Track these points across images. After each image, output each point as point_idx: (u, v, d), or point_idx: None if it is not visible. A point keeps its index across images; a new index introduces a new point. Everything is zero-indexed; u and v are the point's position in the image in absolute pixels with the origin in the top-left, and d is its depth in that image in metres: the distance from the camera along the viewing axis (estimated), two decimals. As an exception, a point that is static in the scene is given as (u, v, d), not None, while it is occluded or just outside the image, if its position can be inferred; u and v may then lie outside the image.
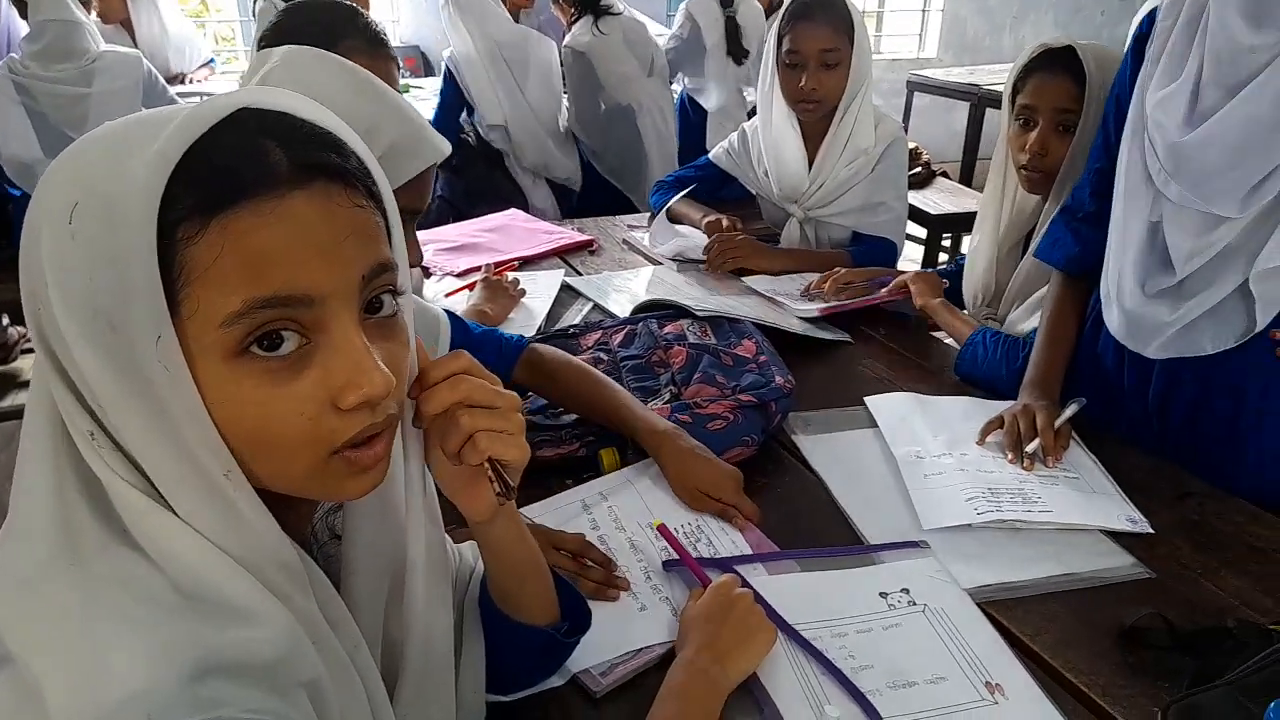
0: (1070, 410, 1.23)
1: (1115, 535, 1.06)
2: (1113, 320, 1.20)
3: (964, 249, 1.90)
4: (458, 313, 1.52)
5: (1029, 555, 1.03)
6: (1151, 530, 1.06)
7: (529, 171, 2.98)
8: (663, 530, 0.99)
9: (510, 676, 0.81)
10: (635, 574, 0.99)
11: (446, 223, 2.23)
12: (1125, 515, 1.08)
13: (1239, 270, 1.06)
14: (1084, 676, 0.86)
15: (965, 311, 1.68)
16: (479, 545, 0.74)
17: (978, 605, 0.94)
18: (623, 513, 1.08)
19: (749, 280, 1.78)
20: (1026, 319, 1.48)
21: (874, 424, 1.29)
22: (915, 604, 0.93)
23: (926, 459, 1.18)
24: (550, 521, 1.05)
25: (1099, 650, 0.89)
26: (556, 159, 2.96)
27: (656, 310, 1.51)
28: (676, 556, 0.97)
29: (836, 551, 1.02)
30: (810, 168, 1.95)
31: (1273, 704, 0.55)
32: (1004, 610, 0.95)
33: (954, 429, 1.25)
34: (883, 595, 0.95)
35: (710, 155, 2.15)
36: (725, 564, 0.97)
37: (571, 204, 3.00)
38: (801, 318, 1.59)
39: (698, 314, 1.45)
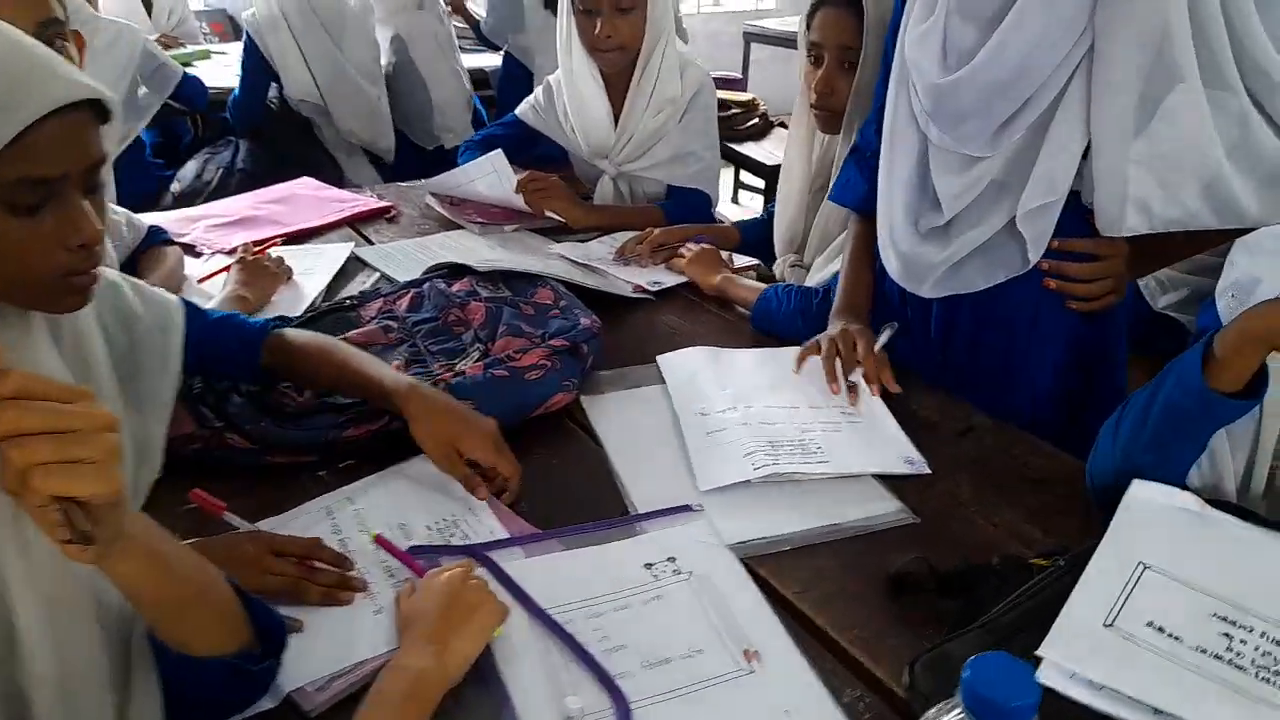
0: (885, 335, 1.20)
1: (888, 480, 1.02)
2: (890, 262, 1.17)
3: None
4: (215, 300, 1.38)
5: (798, 507, 0.98)
6: (929, 471, 1.04)
7: (344, 141, 2.80)
8: (380, 541, 0.91)
9: (204, 712, 0.70)
10: (376, 575, 0.89)
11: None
12: (904, 457, 1.06)
13: (1005, 208, 1.05)
14: (847, 632, 0.82)
15: (776, 261, 1.63)
16: None
17: (744, 565, 0.88)
18: (370, 515, 0.97)
19: (557, 247, 1.68)
20: (826, 266, 1.44)
21: (665, 382, 1.23)
22: (680, 573, 0.87)
23: (711, 415, 1.13)
24: (292, 532, 0.94)
25: (865, 602, 0.85)
26: (381, 126, 2.79)
27: (442, 270, 1.40)
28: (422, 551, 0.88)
29: (601, 525, 0.94)
30: (617, 122, 1.87)
31: (970, 661, 0.50)
32: (771, 567, 0.90)
33: (743, 381, 1.20)
34: (647, 566, 0.88)
35: (517, 112, 2.04)
36: (476, 551, 0.89)
37: (390, 176, 2.83)
38: (633, 292, 1.50)
39: (479, 269, 1.35)
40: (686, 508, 0.97)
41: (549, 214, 1.77)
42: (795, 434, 1.08)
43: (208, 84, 2.87)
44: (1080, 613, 0.73)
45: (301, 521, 0.96)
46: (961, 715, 0.51)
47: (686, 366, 1.24)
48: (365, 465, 1.05)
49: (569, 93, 1.89)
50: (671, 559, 0.89)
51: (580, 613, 0.82)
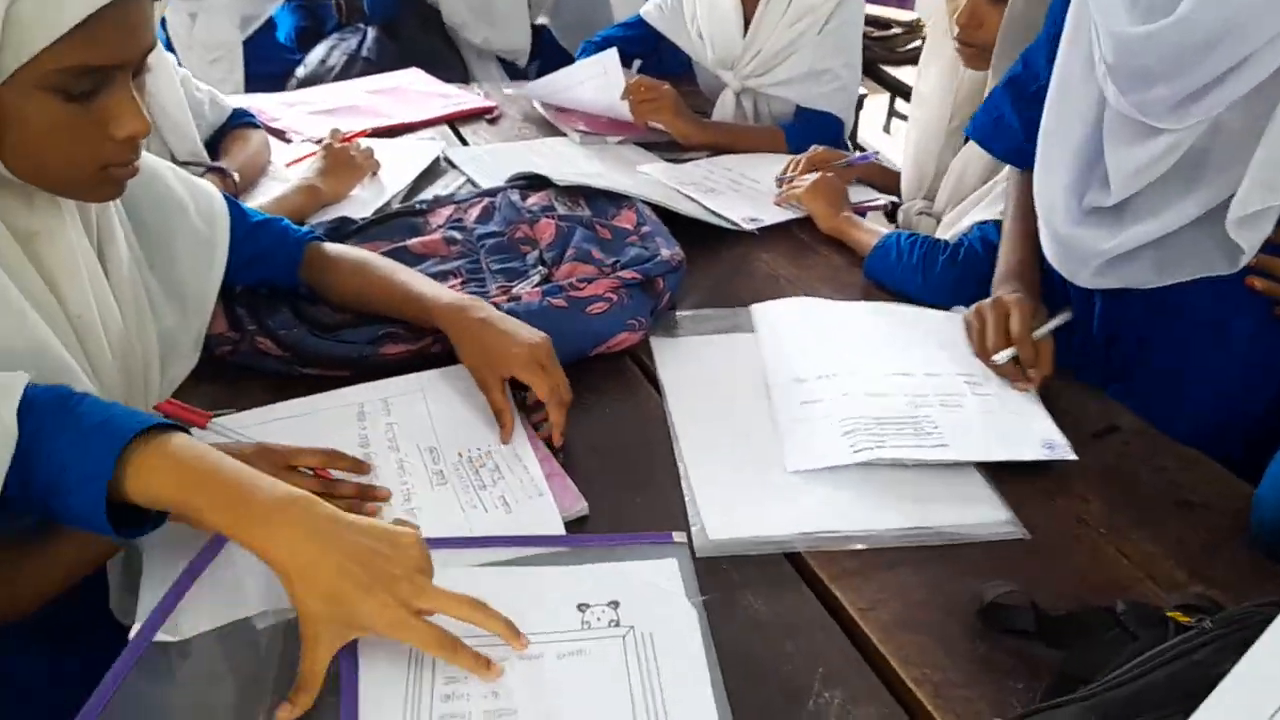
0: (1056, 321, 0.98)
1: (999, 479, 0.84)
2: (1045, 241, 0.95)
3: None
4: (286, 186, 1.30)
5: (880, 497, 0.82)
6: (1075, 456, 0.85)
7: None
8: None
9: None
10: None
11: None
12: (1044, 440, 0.87)
13: (1196, 200, 0.81)
14: (914, 669, 0.66)
15: (902, 206, 1.42)
16: None
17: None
18: (401, 429, 0.87)
19: (647, 166, 1.51)
20: (961, 219, 1.23)
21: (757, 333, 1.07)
22: (618, 624, 0.68)
23: (807, 382, 0.96)
24: (313, 429, 0.86)
25: (943, 635, 0.69)
26: (503, 23, 2.64)
27: (522, 180, 1.27)
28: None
29: (554, 541, 0.76)
30: (747, 29, 1.67)
31: None
32: (833, 571, 0.75)
33: (849, 340, 1.02)
34: (581, 608, 0.69)
35: (642, 11, 1.86)
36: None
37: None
38: (730, 225, 1.32)
39: (559, 183, 1.21)
40: (665, 539, 0.77)
41: (654, 126, 1.60)
42: (906, 408, 0.90)
43: (345, -31, 2.78)
44: (1239, 703, 0.55)
45: (328, 415, 0.88)
46: None
47: (785, 320, 1.07)
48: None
49: (699, -7, 1.70)
50: (614, 603, 0.69)
51: (487, 651, 0.63)
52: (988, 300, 1.00)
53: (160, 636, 0.65)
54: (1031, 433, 0.88)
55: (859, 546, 0.77)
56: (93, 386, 0.76)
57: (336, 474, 0.81)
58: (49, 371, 0.71)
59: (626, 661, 0.65)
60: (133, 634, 0.65)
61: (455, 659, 0.62)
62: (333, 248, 1.00)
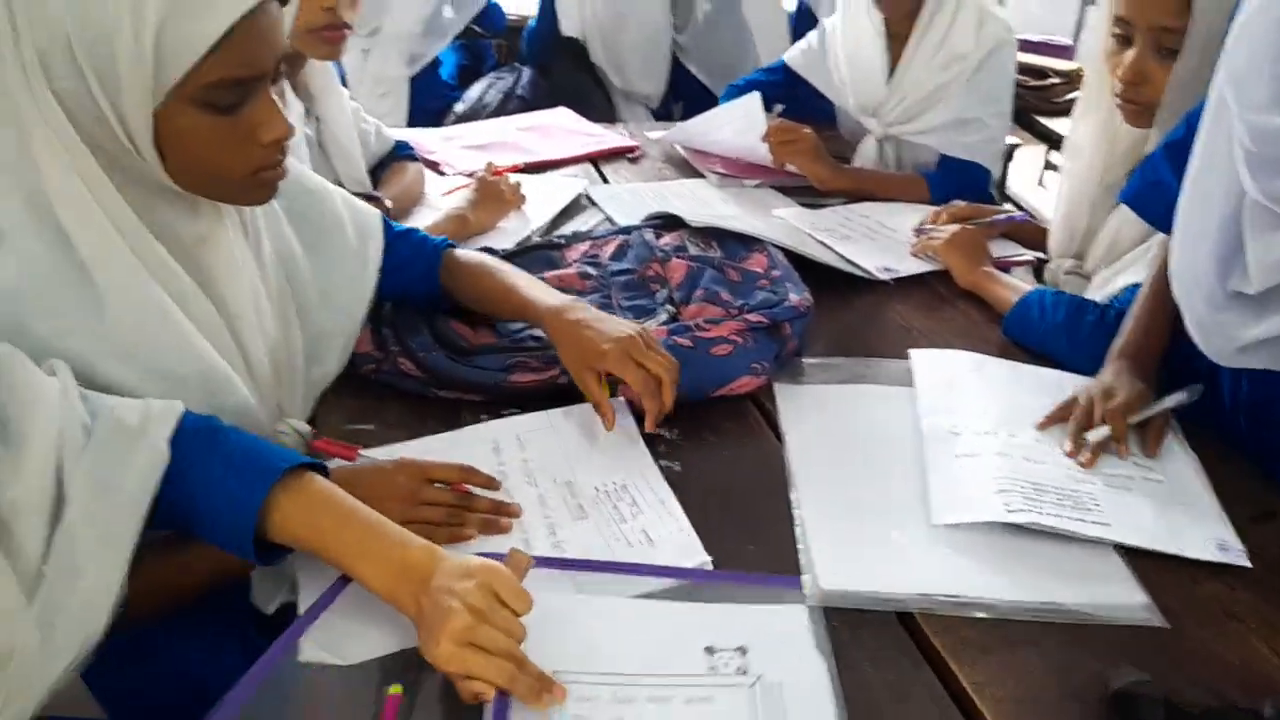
0: (1173, 400, 0.94)
1: (1137, 562, 0.79)
2: (1186, 318, 0.89)
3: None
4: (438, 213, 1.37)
5: (1007, 566, 0.79)
6: (1249, 565, 0.79)
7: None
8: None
9: None
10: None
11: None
12: (1217, 540, 0.81)
13: None
14: (1031, 756, 0.63)
15: (1049, 265, 1.36)
16: None
17: (902, 622, 0.70)
18: (537, 464, 0.90)
19: (783, 210, 1.51)
20: (1114, 279, 1.16)
21: (892, 383, 1.05)
22: (745, 672, 0.67)
23: (964, 435, 0.93)
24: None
25: (1064, 720, 0.65)
26: (636, 68, 2.70)
27: (657, 220, 1.29)
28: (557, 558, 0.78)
29: (683, 574, 0.77)
30: (892, 74, 1.65)
31: None
32: (949, 641, 0.72)
33: (1011, 403, 0.98)
34: (709, 650, 0.68)
35: (785, 56, 1.87)
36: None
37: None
38: (865, 274, 1.31)
39: (692, 224, 1.23)
40: (794, 580, 0.77)
41: (792, 169, 1.60)
42: (1068, 481, 0.86)
43: (510, 11, 2.94)
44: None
45: (465, 450, 0.91)
46: None
47: (945, 369, 1.05)
48: (529, 412, 0.97)
49: (844, 37, 1.70)
50: (741, 649, 0.68)
51: (606, 690, 0.64)
52: (1097, 383, 0.96)
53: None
54: (1204, 530, 0.83)
55: (979, 615, 0.74)
56: (248, 384, 0.83)
57: (472, 489, 0.84)
58: (208, 381, 0.78)
59: (755, 713, 0.63)
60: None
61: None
62: (464, 253, 1.07)
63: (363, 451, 0.86)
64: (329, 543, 0.68)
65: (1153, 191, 1.03)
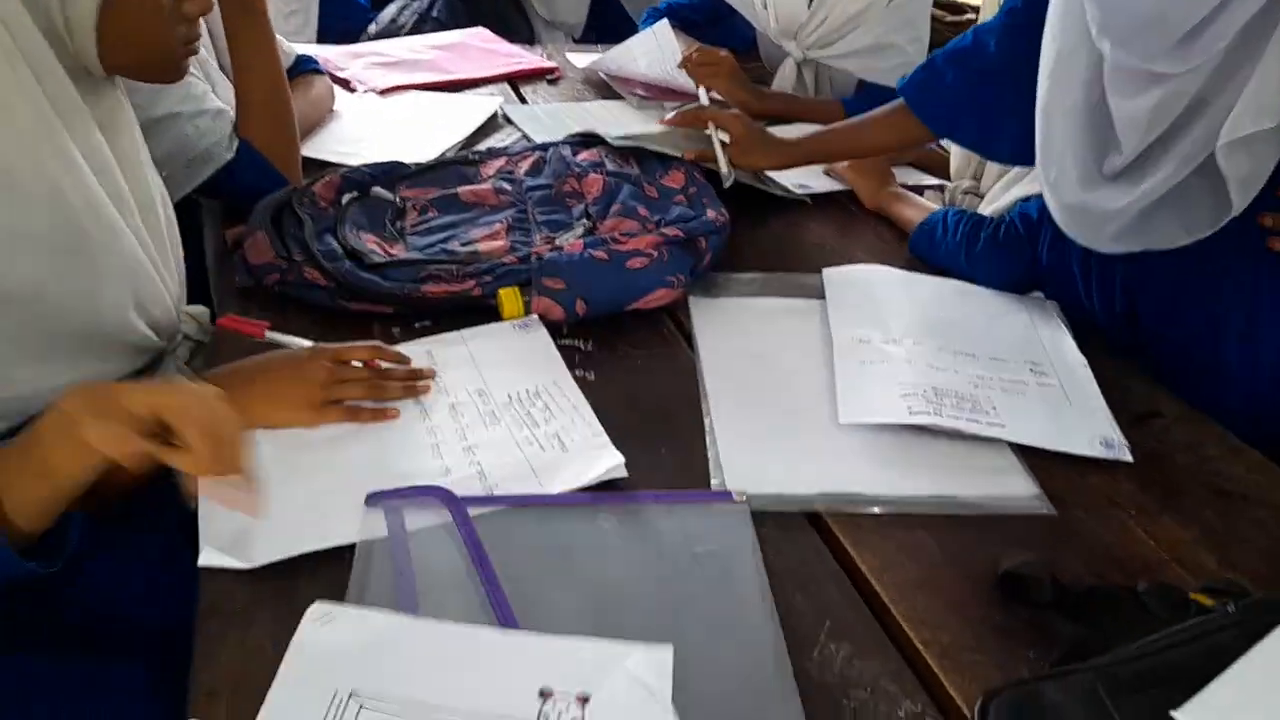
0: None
1: (1028, 457, 0.83)
2: (1055, 212, 0.93)
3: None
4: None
5: (906, 465, 0.81)
6: (1131, 459, 0.83)
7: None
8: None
9: None
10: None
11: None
12: (1101, 437, 0.85)
13: (1203, 140, 0.79)
14: (924, 630, 0.66)
15: (949, 185, 1.39)
16: None
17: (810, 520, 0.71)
18: (448, 375, 0.88)
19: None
20: (1004, 193, 1.20)
21: (805, 296, 1.06)
22: None
23: (871, 344, 0.96)
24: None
25: (958, 602, 0.68)
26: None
27: (575, 138, 1.27)
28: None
29: (618, 498, 0.75)
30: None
31: None
32: (850, 532, 0.74)
33: (917, 314, 1.01)
34: (543, 694, 0.58)
35: (706, -23, 1.85)
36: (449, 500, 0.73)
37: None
38: (782, 193, 1.32)
39: (612, 142, 1.21)
40: (725, 495, 0.77)
41: (715, 94, 1.59)
42: (967, 386, 0.89)
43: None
44: (1255, 679, 0.54)
45: None
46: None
47: (857, 284, 1.07)
48: (443, 329, 0.96)
49: (765, -41, 1.68)
50: (584, 698, 0.58)
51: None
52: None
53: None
54: (1091, 428, 0.87)
55: (878, 510, 0.77)
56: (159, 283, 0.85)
57: (384, 364, 0.86)
58: (128, 260, 0.81)
59: None
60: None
61: None
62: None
63: (270, 332, 0.85)
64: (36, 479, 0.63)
65: (930, 86, 1.10)
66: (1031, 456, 0.83)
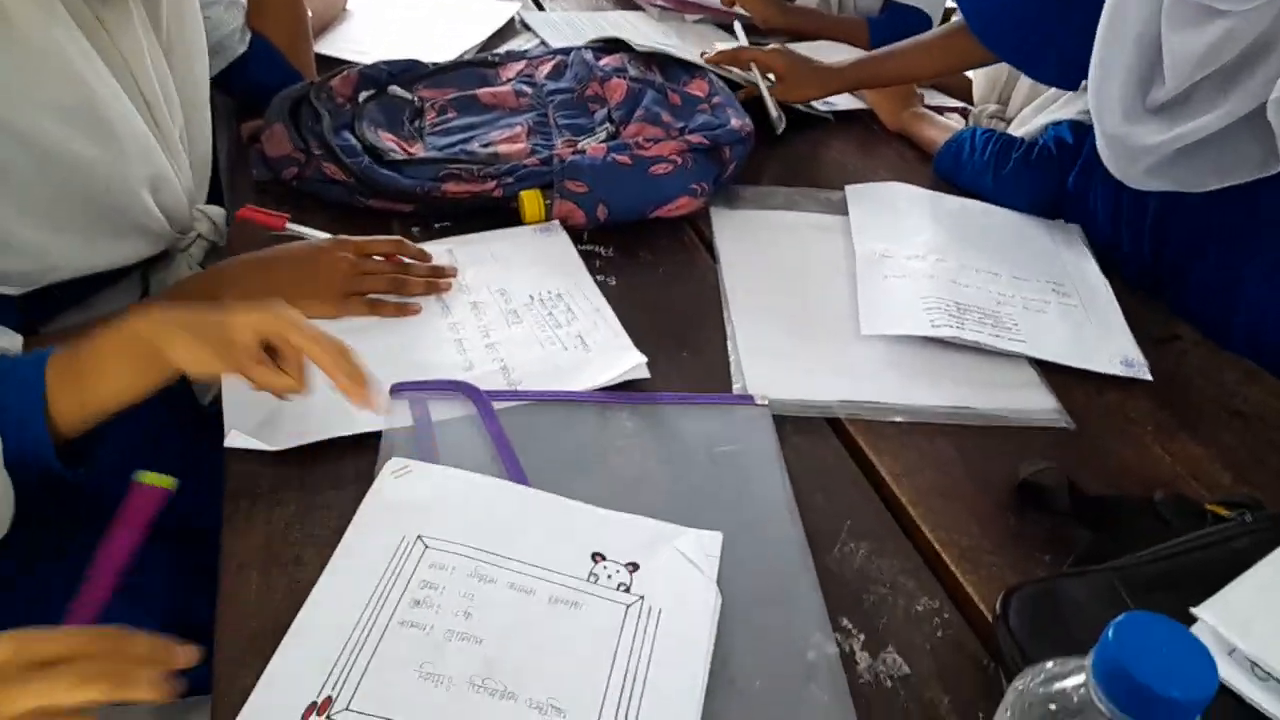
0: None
1: (1050, 373, 0.83)
2: (1098, 141, 0.91)
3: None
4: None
5: (928, 377, 0.82)
6: (1150, 378, 0.83)
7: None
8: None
9: None
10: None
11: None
12: (1122, 356, 0.85)
13: (1251, 94, 0.76)
14: (943, 532, 0.67)
15: (973, 109, 1.37)
16: None
17: (832, 425, 0.71)
18: (470, 274, 0.88)
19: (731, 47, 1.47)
20: (1034, 118, 1.18)
21: (828, 212, 1.05)
22: (629, 589, 0.59)
23: (894, 258, 0.95)
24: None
25: (976, 507, 0.69)
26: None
27: (598, 44, 1.24)
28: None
29: (639, 398, 0.75)
30: (841, -89, 1.60)
31: (1120, 620, 0.35)
32: (871, 439, 0.75)
33: (941, 231, 1.00)
34: (595, 557, 0.61)
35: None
36: (454, 386, 0.73)
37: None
38: (805, 108, 1.29)
39: (636, 48, 1.18)
40: (747, 398, 0.77)
41: (739, 8, 1.56)
42: (989, 303, 0.89)
43: None
44: (1273, 581, 0.55)
45: None
46: (1084, 686, 0.36)
47: (880, 200, 1.06)
48: (462, 230, 0.95)
49: None
50: (632, 565, 0.61)
51: (465, 563, 0.59)
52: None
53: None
54: (1112, 346, 0.87)
55: (899, 418, 0.77)
56: (169, 168, 0.82)
57: (406, 260, 0.85)
58: (144, 148, 0.79)
59: (622, 631, 0.56)
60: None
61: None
62: None
63: (290, 224, 0.84)
64: (90, 390, 0.62)
65: (997, 12, 1.05)
66: (1051, 373, 0.83)
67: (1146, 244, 0.98)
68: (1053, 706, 0.37)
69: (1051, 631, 0.54)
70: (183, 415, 0.88)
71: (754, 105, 1.17)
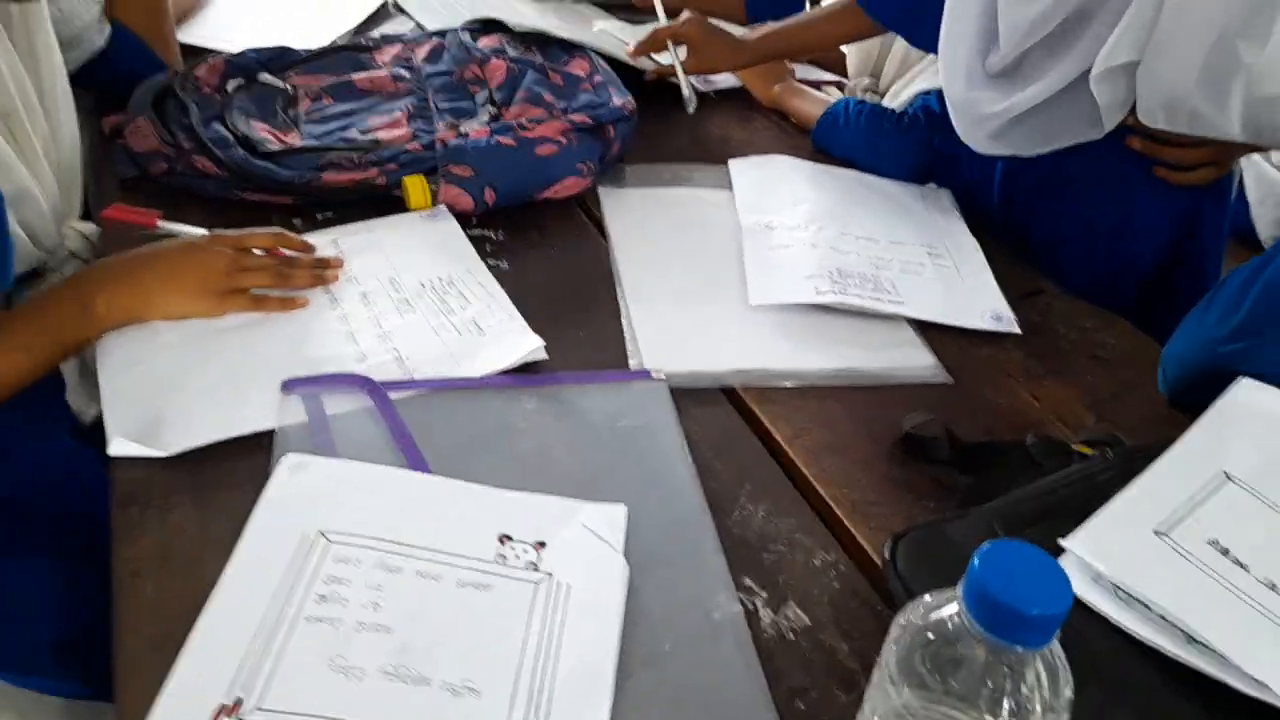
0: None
1: (925, 331, 0.88)
2: (949, 106, 0.97)
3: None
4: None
5: (813, 342, 0.85)
6: (1019, 331, 0.89)
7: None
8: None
9: None
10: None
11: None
12: (992, 312, 0.90)
13: (1074, 64, 0.83)
14: (835, 488, 0.70)
15: (848, 83, 1.41)
16: None
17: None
18: (357, 264, 0.86)
19: (603, 23, 1.47)
20: (905, 89, 1.23)
21: (712, 187, 1.08)
22: (537, 568, 0.60)
23: (778, 230, 0.98)
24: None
25: (865, 462, 0.73)
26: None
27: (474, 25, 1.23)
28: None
29: (536, 380, 0.76)
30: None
31: (984, 548, 0.38)
32: (763, 403, 0.78)
33: (820, 201, 1.03)
34: (502, 539, 0.61)
35: None
36: (369, 385, 0.73)
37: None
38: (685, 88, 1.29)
39: (514, 29, 1.18)
40: (644, 373, 0.79)
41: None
42: (869, 268, 0.93)
43: None
44: (1130, 511, 0.60)
45: None
46: (957, 614, 0.39)
47: (763, 172, 1.09)
48: (346, 220, 0.93)
49: None
50: (540, 543, 0.61)
51: (370, 555, 0.59)
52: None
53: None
54: (983, 304, 0.92)
55: (790, 384, 0.80)
56: (31, 183, 0.76)
57: (288, 252, 0.83)
58: None
59: (532, 609, 0.57)
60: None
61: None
62: None
63: (162, 222, 0.81)
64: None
65: None
66: (929, 331, 0.88)
67: (997, 201, 1.04)
68: (931, 635, 0.40)
69: (936, 571, 0.58)
70: (61, 438, 0.84)
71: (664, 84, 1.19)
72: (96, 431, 0.74)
